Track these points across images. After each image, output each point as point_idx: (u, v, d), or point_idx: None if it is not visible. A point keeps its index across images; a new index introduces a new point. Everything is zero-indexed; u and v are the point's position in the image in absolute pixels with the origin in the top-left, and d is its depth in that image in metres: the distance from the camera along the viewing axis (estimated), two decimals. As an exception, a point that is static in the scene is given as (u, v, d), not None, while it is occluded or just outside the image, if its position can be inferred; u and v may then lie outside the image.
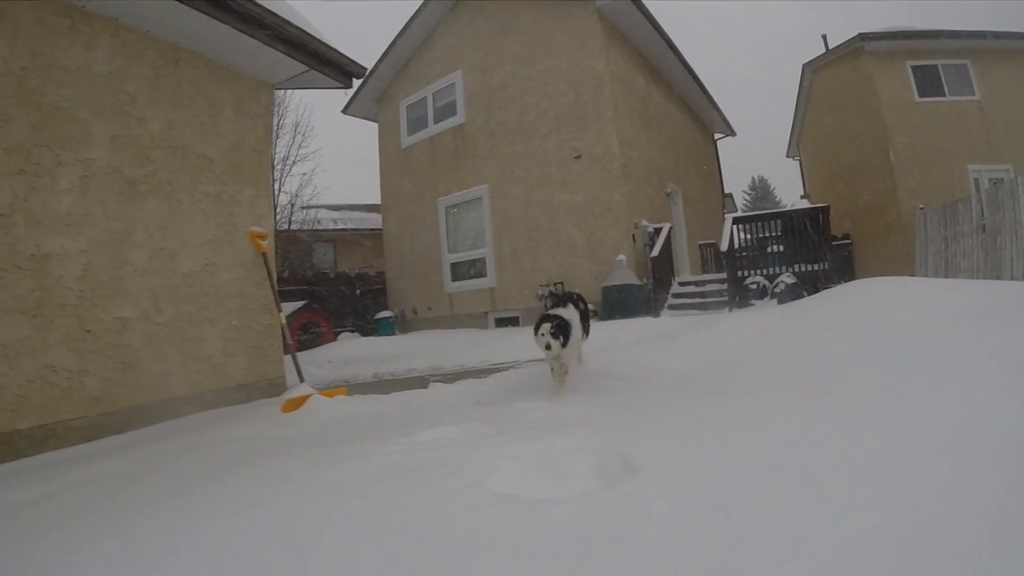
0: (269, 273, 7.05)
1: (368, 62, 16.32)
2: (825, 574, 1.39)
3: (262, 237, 7.01)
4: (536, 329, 5.49)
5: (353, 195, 40.96)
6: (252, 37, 6.29)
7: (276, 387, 7.07)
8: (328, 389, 6.34)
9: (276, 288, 7.11)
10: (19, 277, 4.76)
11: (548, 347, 5.34)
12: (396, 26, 19.72)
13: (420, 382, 7.32)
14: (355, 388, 7.09)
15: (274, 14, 6.28)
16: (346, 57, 7.52)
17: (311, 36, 6.81)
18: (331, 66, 7.35)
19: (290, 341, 6.88)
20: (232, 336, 6.67)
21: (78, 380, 5.09)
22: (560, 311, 5.67)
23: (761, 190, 75.69)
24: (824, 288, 11.20)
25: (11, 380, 4.62)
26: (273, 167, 21.77)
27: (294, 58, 6.90)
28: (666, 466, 2.17)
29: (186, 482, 3.07)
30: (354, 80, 7.92)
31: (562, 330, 5.41)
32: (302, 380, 6.29)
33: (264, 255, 7.06)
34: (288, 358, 7.09)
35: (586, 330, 6.32)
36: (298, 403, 5.53)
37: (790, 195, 38.40)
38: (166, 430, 5.25)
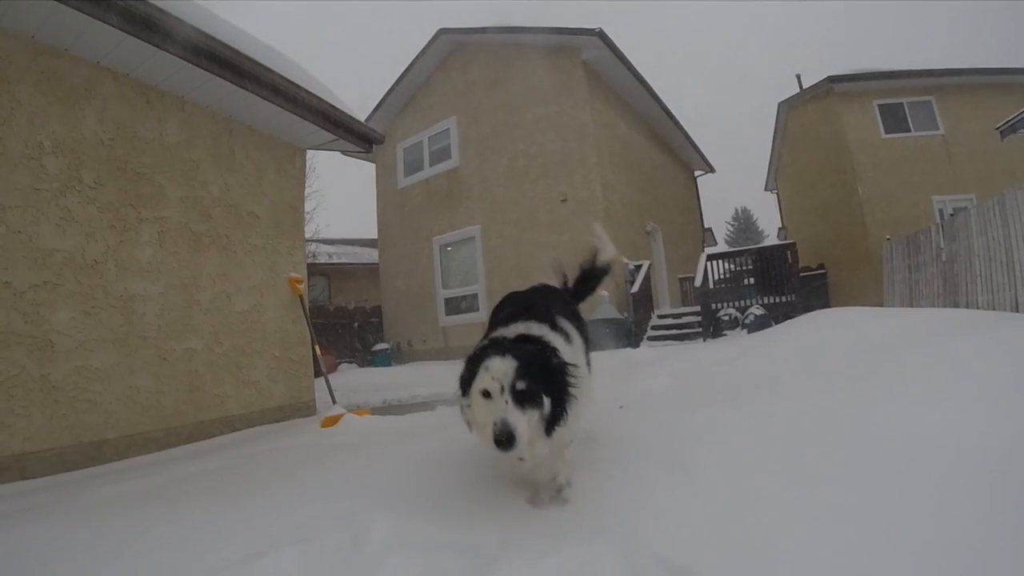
0: (304, 312, 8.13)
1: (366, 100, 17.26)
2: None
3: (298, 282, 8.09)
4: (465, 384, 2.53)
5: (347, 230, 41.69)
6: (294, 113, 7.48)
7: (308, 409, 8.08)
8: (356, 410, 7.36)
9: (311, 325, 8.21)
10: (111, 314, 5.81)
11: (501, 441, 2.23)
12: (394, 65, 20.86)
13: (427, 407, 8.10)
14: (374, 411, 8.00)
15: (317, 96, 7.53)
16: (369, 128, 8.82)
17: (342, 112, 8.04)
18: (356, 135, 8.54)
19: (324, 370, 7.97)
20: (274, 365, 7.70)
21: (155, 399, 6.12)
22: (531, 328, 2.75)
23: (744, 221, 76.22)
24: (790, 318, 12.19)
25: (104, 397, 5.64)
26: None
27: (327, 130, 8.08)
28: (615, 437, 3.22)
29: (282, 470, 4.06)
30: (373, 145, 9.11)
31: (543, 379, 2.43)
32: (334, 402, 7.35)
33: (300, 297, 8.13)
34: (317, 384, 8.20)
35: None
36: (334, 420, 6.53)
37: (772, 226, 39.27)
38: (228, 441, 6.27)
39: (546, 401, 2.42)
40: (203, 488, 3.83)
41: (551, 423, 2.46)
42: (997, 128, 15.46)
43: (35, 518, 3.35)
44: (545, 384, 2.43)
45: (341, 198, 36.96)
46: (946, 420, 2.60)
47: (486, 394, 2.39)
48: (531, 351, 2.52)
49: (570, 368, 2.57)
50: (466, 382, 2.55)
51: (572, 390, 2.53)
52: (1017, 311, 10.15)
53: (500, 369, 2.36)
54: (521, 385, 2.34)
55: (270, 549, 2.17)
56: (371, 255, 27.63)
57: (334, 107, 7.89)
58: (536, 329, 2.76)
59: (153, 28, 5.61)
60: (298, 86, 7.26)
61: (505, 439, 2.21)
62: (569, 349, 2.80)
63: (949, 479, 2.05)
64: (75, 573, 2.37)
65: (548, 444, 2.50)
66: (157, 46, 5.76)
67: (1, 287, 4.98)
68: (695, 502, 2.26)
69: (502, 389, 2.33)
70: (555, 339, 2.73)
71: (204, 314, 6.82)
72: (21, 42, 5.33)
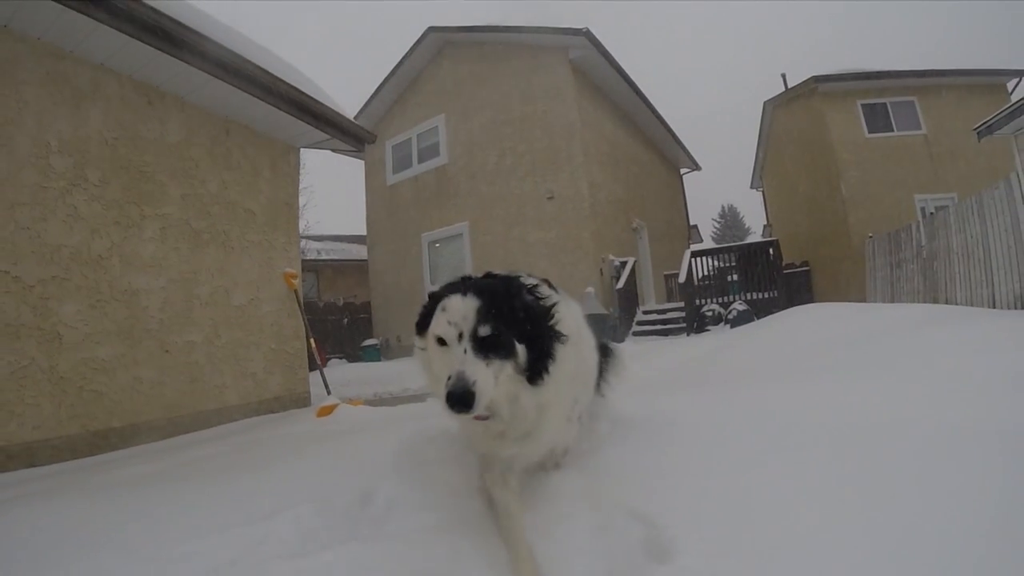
0: (299, 306, 8.37)
1: (357, 98, 17.35)
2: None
3: (293, 277, 8.33)
4: (422, 323, 2.21)
5: (335, 226, 41.79)
6: (289, 114, 7.72)
7: (303, 400, 8.32)
8: (350, 401, 7.60)
9: (306, 319, 8.45)
10: (116, 307, 6.04)
11: (454, 397, 1.79)
12: (382, 66, 21.06)
13: (417, 399, 8.37)
14: (366, 403, 8.14)
15: (311, 97, 7.76)
16: (361, 128, 9.09)
17: (336, 112, 8.30)
18: (349, 135, 8.81)
19: (319, 362, 8.21)
20: (271, 358, 7.94)
21: (158, 390, 6.36)
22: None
23: (731, 218, 76.82)
24: (772, 313, 12.49)
25: (109, 388, 5.88)
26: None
27: (321, 129, 8.33)
28: (597, 416, 3.27)
29: (286, 451, 4.33)
30: (365, 145, 9.37)
31: (514, 321, 2.03)
32: (329, 393, 7.60)
33: (295, 292, 8.36)
34: (312, 377, 8.46)
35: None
36: (329, 410, 6.78)
37: (758, 223, 39.76)
38: (227, 430, 6.49)
39: (520, 348, 2.02)
40: (212, 468, 4.05)
41: (533, 372, 2.05)
42: (974, 129, 15.80)
43: (49, 498, 3.49)
44: (518, 327, 2.03)
45: (329, 194, 37.16)
46: (908, 403, 2.85)
47: (441, 342, 2.01)
48: (498, 287, 2.13)
49: (552, 306, 2.17)
50: (423, 321, 2.19)
51: (557, 332, 2.11)
52: (994, 307, 10.50)
53: (458, 311, 1.98)
54: (485, 330, 1.95)
55: (287, 507, 2.42)
56: (359, 251, 27.80)
57: (328, 107, 8.13)
58: (522, 277, 2.33)
59: (156, 32, 5.84)
60: (293, 87, 7.50)
61: (459, 396, 1.79)
62: (566, 309, 2.31)
63: (904, 454, 2.27)
64: (94, 541, 2.49)
65: (534, 396, 2.07)
66: (159, 49, 5.98)
67: (11, 281, 5.18)
68: (669, 469, 2.44)
69: (460, 336, 1.95)
70: (548, 292, 2.30)
71: (204, 308, 7.04)
72: (28, 44, 5.52)
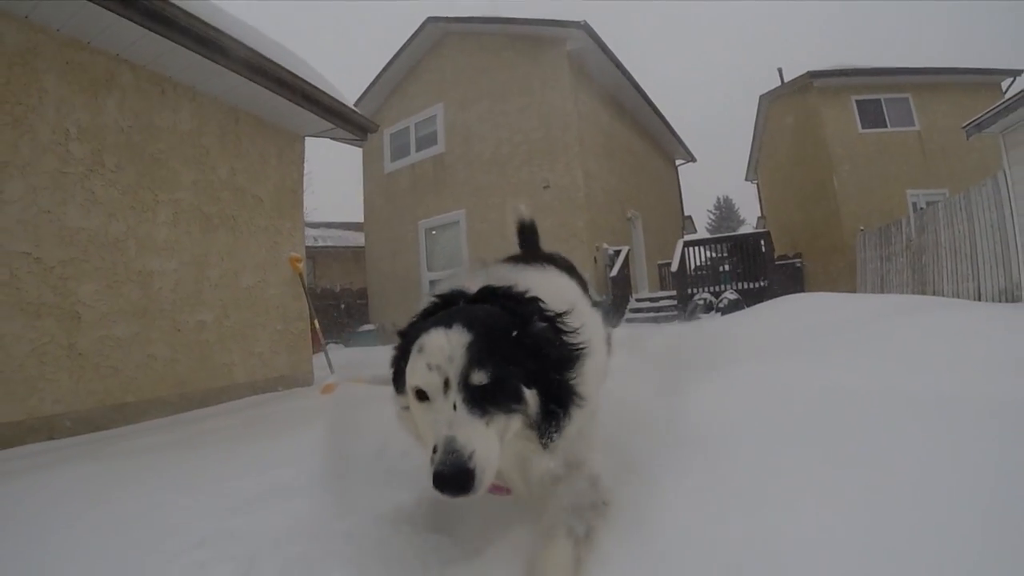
0: (304, 289, 8.68)
1: (355, 87, 17.46)
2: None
3: (298, 261, 8.61)
4: (399, 373, 1.74)
5: (331, 213, 42.01)
6: (296, 104, 8.00)
7: (306, 379, 8.66)
8: (351, 379, 7.88)
9: (310, 301, 8.76)
10: (131, 288, 6.33)
11: (443, 480, 1.30)
12: (380, 54, 21.13)
13: None
14: (367, 382, 8.49)
15: (318, 88, 8.05)
16: (366, 118, 9.41)
17: (341, 103, 8.59)
18: (354, 125, 9.10)
19: (323, 342, 8.51)
20: (277, 338, 8.25)
21: (170, 367, 6.66)
22: (512, 275, 1.92)
23: (726, 210, 76.93)
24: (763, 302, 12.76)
25: (125, 364, 6.17)
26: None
27: (326, 119, 8.62)
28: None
29: (295, 422, 4.63)
30: (368, 135, 9.66)
31: (520, 357, 1.55)
32: (332, 372, 7.90)
33: (300, 275, 8.65)
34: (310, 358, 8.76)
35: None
36: (332, 388, 7.09)
37: (753, 215, 39.97)
38: (235, 406, 6.78)
39: (530, 395, 1.54)
40: (230, 436, 4.40)
41: (546, 429, 1.57)
42: (963, 127, 16.01)
43: (71, 464, 3.73)
44: (527, 366, 1.55)
45: (326, 182, 37.24)
46: (893, 376, 3.16)
47: (422, 395, 1.50)
48: (495, 314, 1.61)
49: (569, 327, 1.67)
50: (399, 370, 1.69)
51: (577, 368, 1.63)
52: (979, 300, 10.81)
53: (441, 350, 1.46)
54: (480, 376, 1.44)
55: (310, 456, 2.73)
56: (355, 238, 28.06)
57: (334, 98, 8.41)
58: (518, 275, 1.87)
59: (171, 25, 6.08)
60: (302, 79, 7.77)
61: (451, 477, 1.30)
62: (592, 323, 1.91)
63: (874, 416, 2.56)
64: (142, 483, 2.82)
65: (551, 459, 1.65)
66: (175, 42, 6.24)
67: (33, 262, 5.43)
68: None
69: (446, 384, 1.45)
70: (553, 287, 1.86)
71: (214, 289, 7.32)
72: (48, 35, 5.75)
